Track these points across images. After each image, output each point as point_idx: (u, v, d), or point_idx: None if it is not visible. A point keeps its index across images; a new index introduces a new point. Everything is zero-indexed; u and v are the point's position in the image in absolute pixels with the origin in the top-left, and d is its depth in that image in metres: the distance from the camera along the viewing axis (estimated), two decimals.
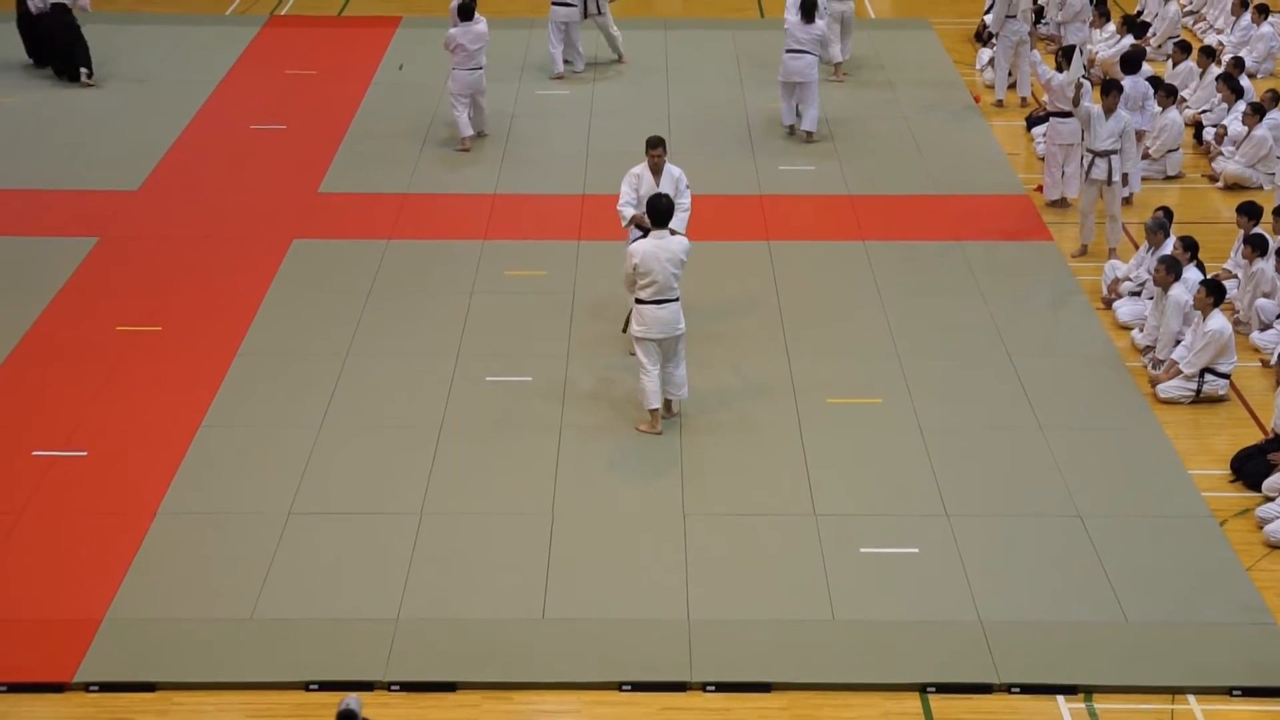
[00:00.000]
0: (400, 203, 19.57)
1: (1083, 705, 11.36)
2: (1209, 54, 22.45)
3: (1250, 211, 16.94)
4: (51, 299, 16.97)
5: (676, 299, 14.38)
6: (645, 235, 14.51)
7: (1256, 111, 19.88)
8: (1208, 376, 15.19)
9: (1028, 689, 11.47)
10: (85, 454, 14.23)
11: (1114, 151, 17.96)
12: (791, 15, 21.11)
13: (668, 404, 14.81)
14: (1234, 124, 20.42)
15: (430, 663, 11.69)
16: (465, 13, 20.73)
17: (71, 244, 18.27)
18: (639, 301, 14.37)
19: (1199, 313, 15.35)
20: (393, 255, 18.10)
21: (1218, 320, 15.18)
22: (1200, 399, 15.20)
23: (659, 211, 14.32)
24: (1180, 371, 15.21)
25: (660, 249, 14.26)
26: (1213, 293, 15.27)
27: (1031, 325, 16.63)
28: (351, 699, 10.11)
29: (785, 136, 21.59)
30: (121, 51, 24.79)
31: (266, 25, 26.46)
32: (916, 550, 12.94)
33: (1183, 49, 22.89)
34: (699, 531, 13.17)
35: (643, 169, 15.41)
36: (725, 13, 26.48)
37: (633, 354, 14.89)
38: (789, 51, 21.12)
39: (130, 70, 24.16)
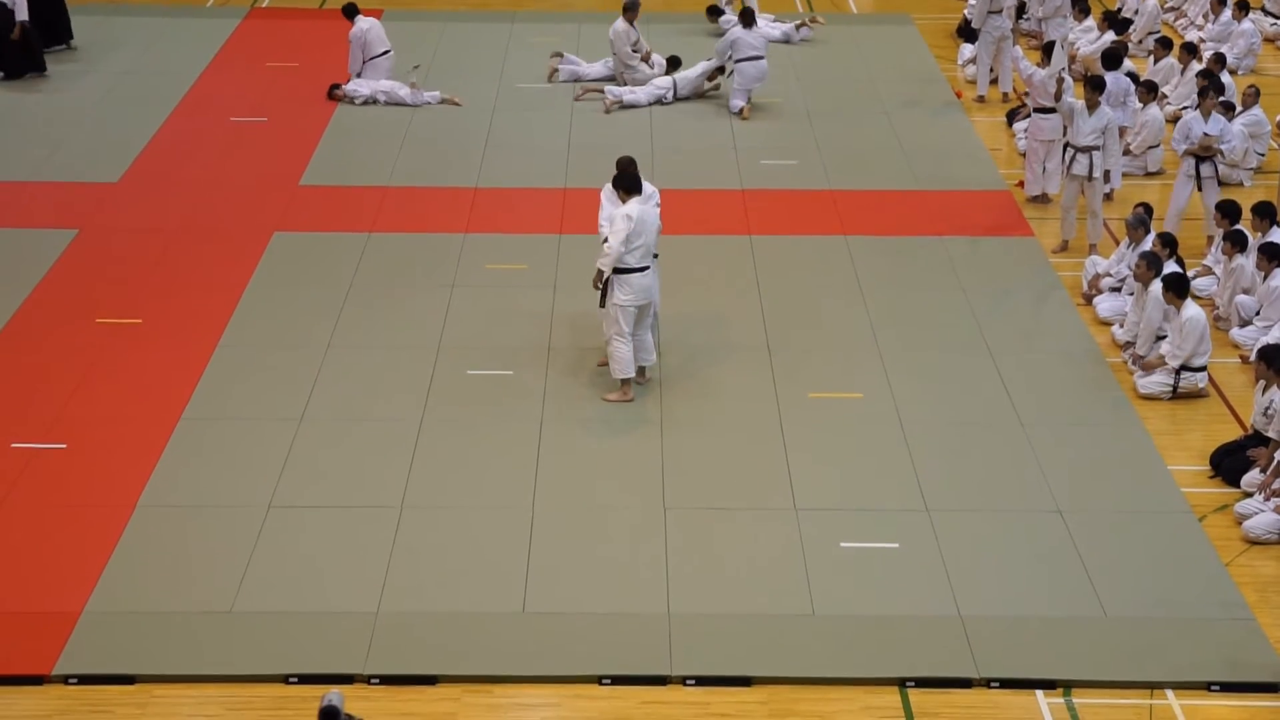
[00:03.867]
0: (381, 196, 19.55)
1: (1061, 700, 11.38)
2: (1190, 50, 22.49)
3: (1227, 211, 16.96)
4: (31, 291, 16.93)
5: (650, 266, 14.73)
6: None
7: (1229, 109, 19.93)
8: (1184, 372, 15.22)
9: (1007, 683, 11.49)
10: (65, 446, 14.19)
11: (1095, 147, 17.99)
12: (740, 30, 22.35)
13: (641, 370, 15.06)
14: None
15: (410, 656, 11.67)
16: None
17: (51, 236, 18.22)
18: (623, 271, 14.50)
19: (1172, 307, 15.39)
20: (374, 248, 18.08)
21: (1192, 309, 15.22)
22: (1179, 395, 15.24)
23: (633, 177, 14.64)
24: (1165, 364, 15.23)
25: (647, 212, 14.57)
26: (1173, 288, 15.30)
27: (1012, 321, 16.66)
28: (333, 694, 10.10)
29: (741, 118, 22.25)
30: (102, 44, 24.72)
31: (247, 18, 26.42)
32: (896, 545, 12.95)
33: (1164, 45, 22.94)
34: (680, 526, 13.17)
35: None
36: (706, 7, 26.43)
37: (603, 364, 15.10)
38: (747, 59, 22.18)
39: (111, 62, 24.10)
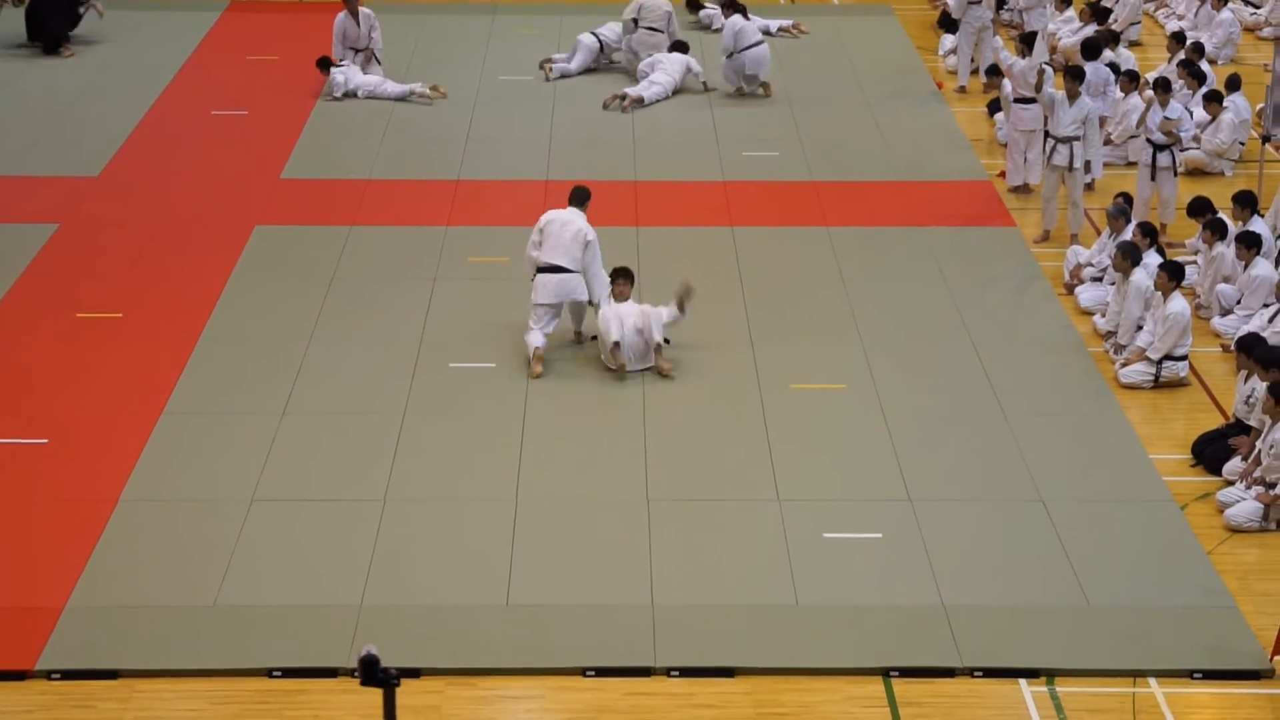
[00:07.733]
0: (363, 189, 19.52)
1: (1045, 688, 11.40)
2: (1179, 40, 22.30)
3: (1196, 209, 16.99)
4: (11, 285, 16.89)
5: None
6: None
7: (1214, 99, 19.97)
8: (1165, 362, 15.26)
9: (990, 672, 11.50)
10: (46, 441, 14.15)
11: (1076, 138, 18.02)
12: (740, 20, 22.64)
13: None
14: (1195, 110, 20.44)
15: (394, 649, 11.55)
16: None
17: (31, 230, 18.17)
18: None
19: (1159, 294, 15.39)
20: (356, 241, 18.05)
21: (1178, 303, 15.25)
22: (1161, 384, 15.27)
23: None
24: (1145, 356, 15.28)
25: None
26: (1174, 275, 15.34)
27: (994, 311, 16.68)
28: (371, 646, 9.98)
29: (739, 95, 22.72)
30: (83, 37, 24.63)
31: (227, 10, 26.35)
32: (879, 535, 12.97)
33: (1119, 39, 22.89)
34: (663, 517, 13.17)
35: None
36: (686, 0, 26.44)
37: (593, 338, 15.32)
38: (752, 46, 22.46)
39: (91, 56, 24.03)
